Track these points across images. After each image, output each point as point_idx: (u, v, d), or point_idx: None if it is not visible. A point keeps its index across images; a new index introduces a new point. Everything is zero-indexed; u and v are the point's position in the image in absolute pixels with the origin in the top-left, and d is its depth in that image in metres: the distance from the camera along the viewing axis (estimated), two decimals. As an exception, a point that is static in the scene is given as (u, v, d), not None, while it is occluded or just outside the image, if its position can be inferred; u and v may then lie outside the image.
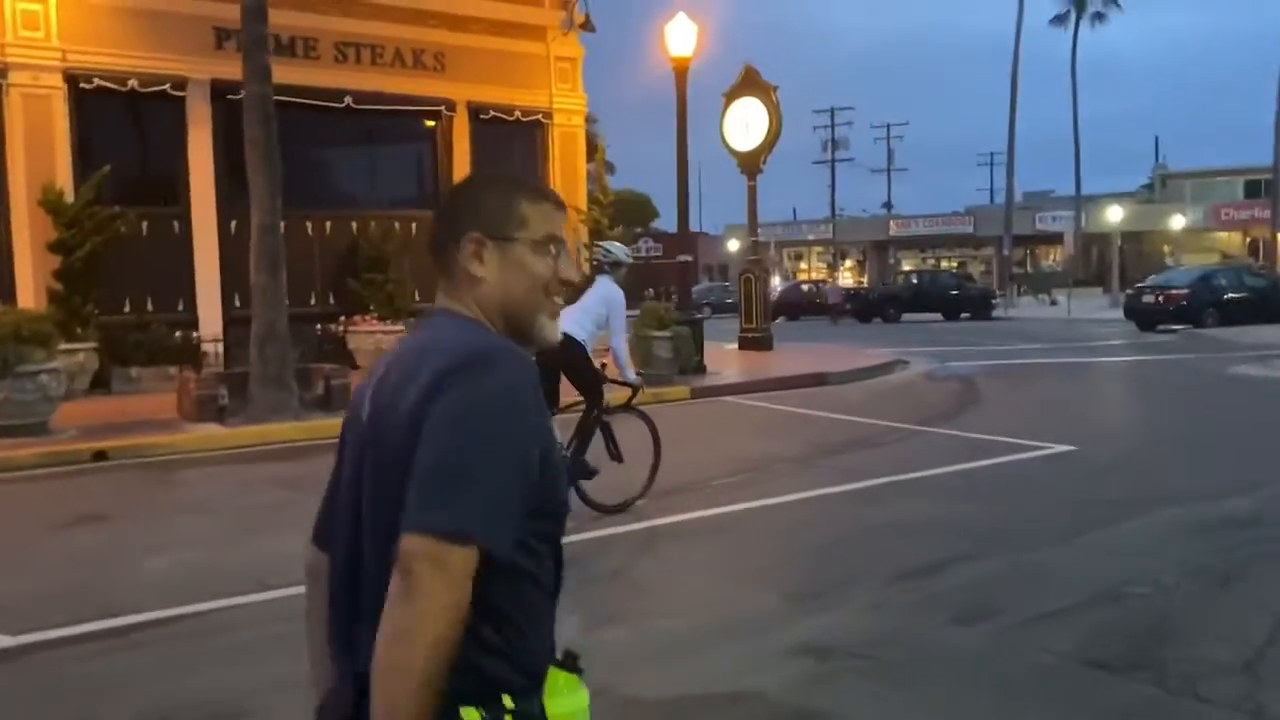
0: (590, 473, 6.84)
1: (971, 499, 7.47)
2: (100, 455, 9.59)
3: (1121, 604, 5.02)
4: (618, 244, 7.52)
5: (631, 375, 7.10)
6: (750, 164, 18.94)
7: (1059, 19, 52.72)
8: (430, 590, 1.22)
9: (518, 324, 1.47)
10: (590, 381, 6.92)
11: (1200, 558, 5.77)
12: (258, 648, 4.65)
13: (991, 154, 76.23)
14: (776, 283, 46.82)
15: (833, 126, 75.68)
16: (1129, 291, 27.61)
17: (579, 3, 17.52)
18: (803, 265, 65.23)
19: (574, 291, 6.50)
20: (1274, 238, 39.66)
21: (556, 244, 1.48)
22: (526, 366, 1.37)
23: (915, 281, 38.18)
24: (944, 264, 60.48)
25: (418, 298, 16.28)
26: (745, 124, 18.82)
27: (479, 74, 16.75)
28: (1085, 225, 52.08)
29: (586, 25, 17.44)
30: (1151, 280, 27.21)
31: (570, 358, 6.69)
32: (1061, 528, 6.46)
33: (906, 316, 34.44)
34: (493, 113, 16.93)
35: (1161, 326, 24.56)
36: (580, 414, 6.96)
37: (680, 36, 14.79)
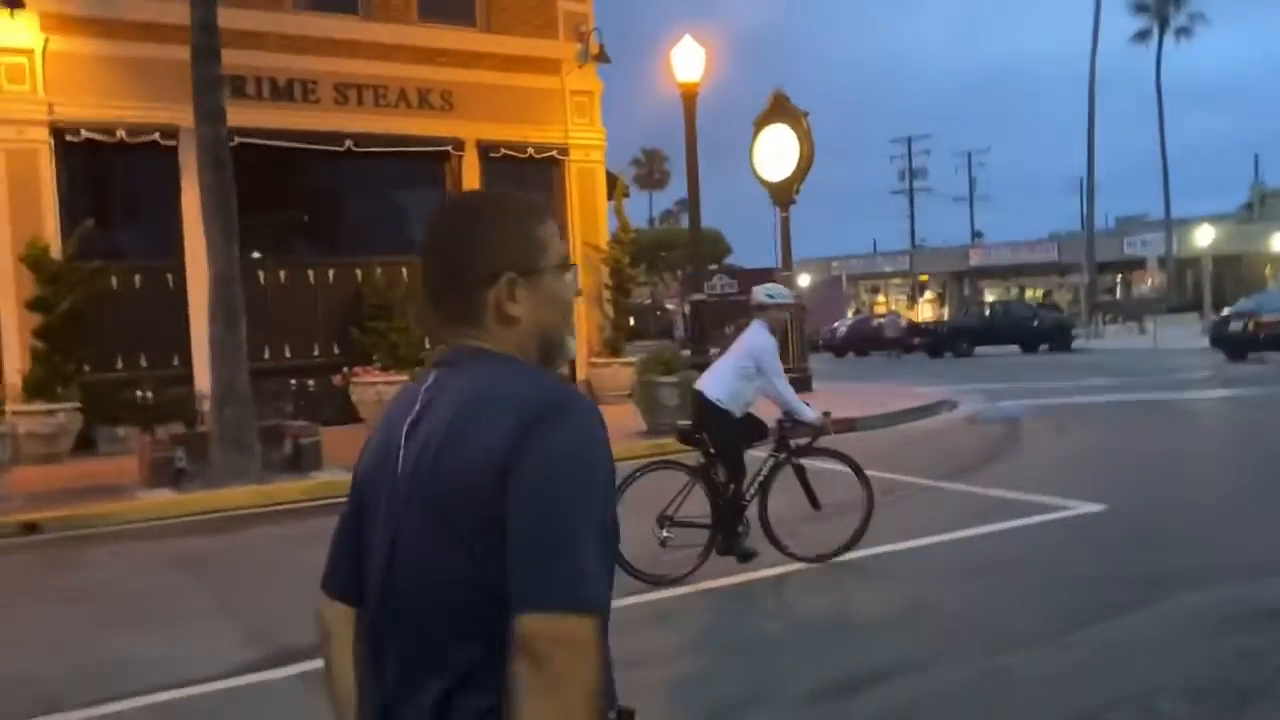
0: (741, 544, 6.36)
1: (956, 579, 6.26)
2: (31, 528, 8.94)
3: (1089, 742, 3.82)
4: (776, 285, 6.82)
5: (808, 414, 6.39)
6: (782, 195, 17.84)
7: (1141, 36, 50.50)
8: (576, 675, 1.16)
9: (550, 351, 1.43)
10: (726, 448, 6.29)
11: (1216, 667, 4.49)
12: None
13: (1080, 179, 73.63)
14: (848, 316, 45.41)
15: (910, 155, 74.16)
16: (1216, 318, 25.51)
17: (594, 34, 16.77)
18: (880, 298, 63.31)
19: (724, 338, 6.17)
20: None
21: (567, 259, 1.44)
22: (598, 410, 1.32)
23: (989, 313, 36.29)
24: (1029, 293, 58.16)
25: (427, 345, 15.57)
26: (776, 153, 17.75)
27: (489, 111, 16.08)
28: (1178, 249, 49.35)
29: (601, 57, 16.66)
30: (1240, 305, 25.11)
31: (704, 419, 6.29)
32: (1052, 620, 5.22)
33: (980, 350, 32.68)
34: (504, 150, 16.22)
35: (1253, 355, 22.54)
36: (769, 462, 6.48)
37: (687, 60, 13.87)
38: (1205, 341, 27.26)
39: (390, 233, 15.94)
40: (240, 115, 14.27)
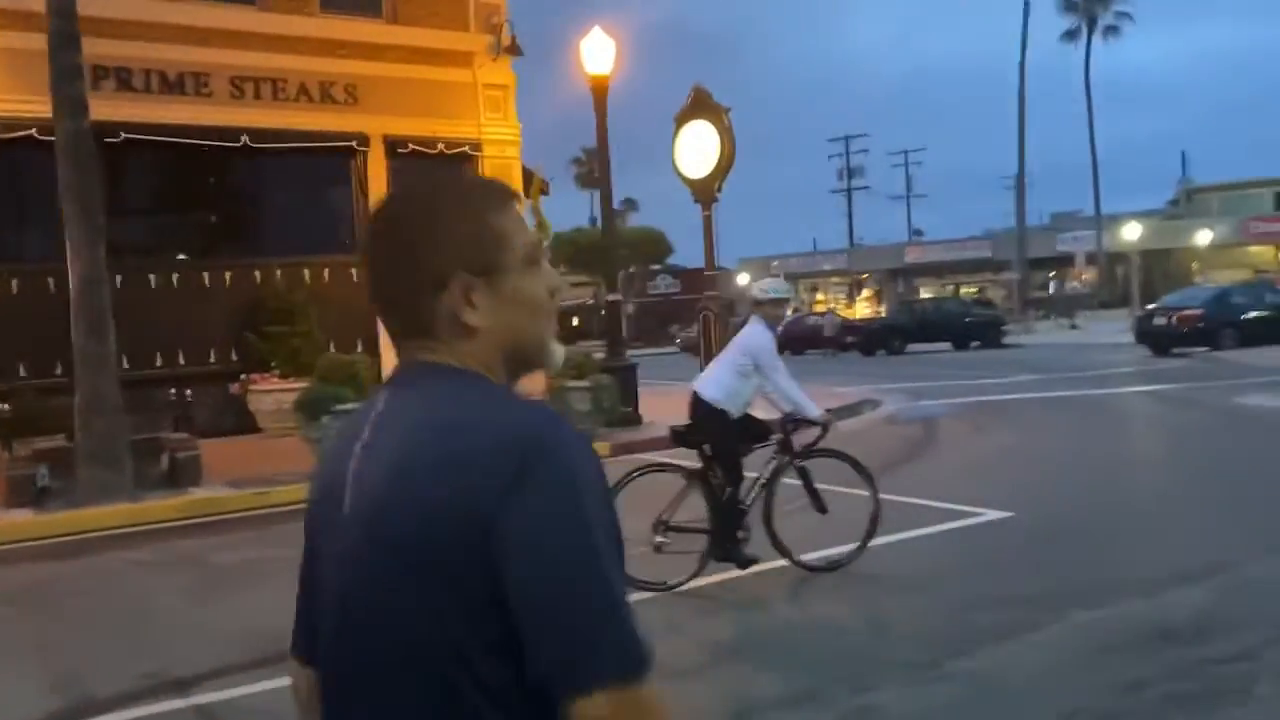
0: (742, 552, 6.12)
1: (840, 599, 5.87)
2: None
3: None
4: (773, 279, 6.68)
5: (813, 411, 6.17)
6: (704, 192, 17.40)
7: (1069, 35, 51.06)
8: None
9: (526, 361, 1.21)
10: (722, 450, 6.06)
11: (1099, 699, 4.13)
12: None
13: (1014, 177, 74.42)
14: (787, 315, 45.24)
15: (847, 155, 74.49)
16: (1139, 314, 25.65)
17: (506, 26, 16.23)
18: (819, 297, 63.44)
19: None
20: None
21: (539, 250, 1.20)
22: (584, 437, 1.13)
23: (921, 311, 36.33)
24: (963, 290, 58.59)
25: (332, 349, 14.93)
26: (697, 150, 17.29)
27: (397, 106, 15.46)
28: (1108, 245, 49.97)
29: (513, 49, 16.13)
30: (1163, 301, 25.27)
31: (702, 420, 6.08)
32: (932, 647, 4.83)
33: (914, 347, 32.66)
34: (412, 146, 15.61)
35: (1176, 350, 22.65)
36: (772, 464, 6.22)
37: (597, 53, 13.39)
38: (1132, 337, 27.42)
39: (292, 233, 15.24)
40: (127, 109, 13.60)
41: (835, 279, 65.06)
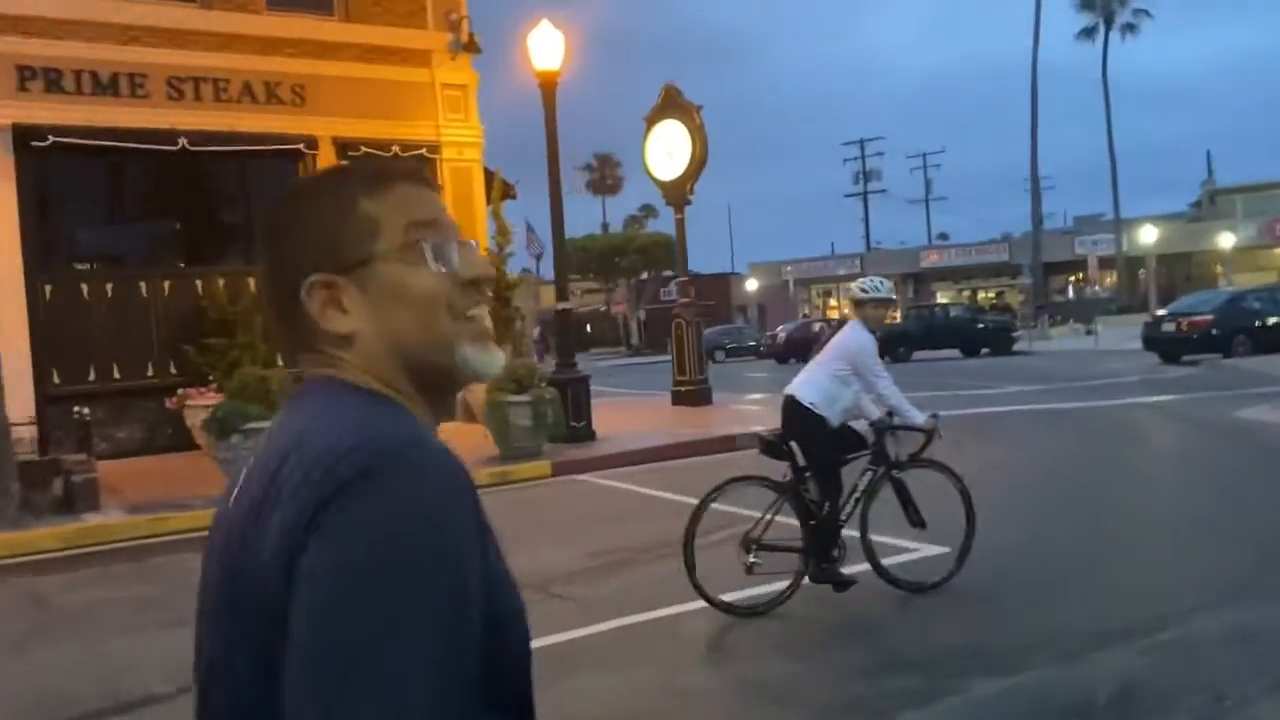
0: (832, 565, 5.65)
1: (724, 661, 5.04)
2: None
3: None
4: (875, 278, 6.17)
5: (917, 417, 5.73)
6: (675, 194, 16.67)
7: (1086, 33, 49.87)
8: None
9: (431, 372, 1.01)
10: (821, 461, 5.65)
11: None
12: None
13: (1040, 178, 73.00)
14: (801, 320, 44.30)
15: (863, 158, 73.47)
16: (1148, 320, 24.55)
17: (465, 23, 15.51)
18: (832, 302, 62.41)
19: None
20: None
21: (435, 233, 0.99)
22: (442, 465, 0.90)
23: (929, 317, 35.34)
24: (981, 295, 57.40)
25: (280, 362, 14.24)
26: (667, 150, 16.59)
27: (349, 106, 14.76)
28: (1127, 249, 48.71)
29: (472, 47, 15.41)
30: (1173, 306, 24.17)
31: (796, 427, 5.69)
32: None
33: (923, 354, 31.71)
34: (365, 149, 14.86)
35: (1187, 358, 21.56)
36: (867, 475, 5.81)
37: (545, 47, 12.62)
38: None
39: (236, 240, 14.59)
40: (57, 112, 12.99)
41: (850, 284, 64.04)
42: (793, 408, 5.73)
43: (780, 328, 41.68)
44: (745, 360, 42.67)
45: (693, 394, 16.33)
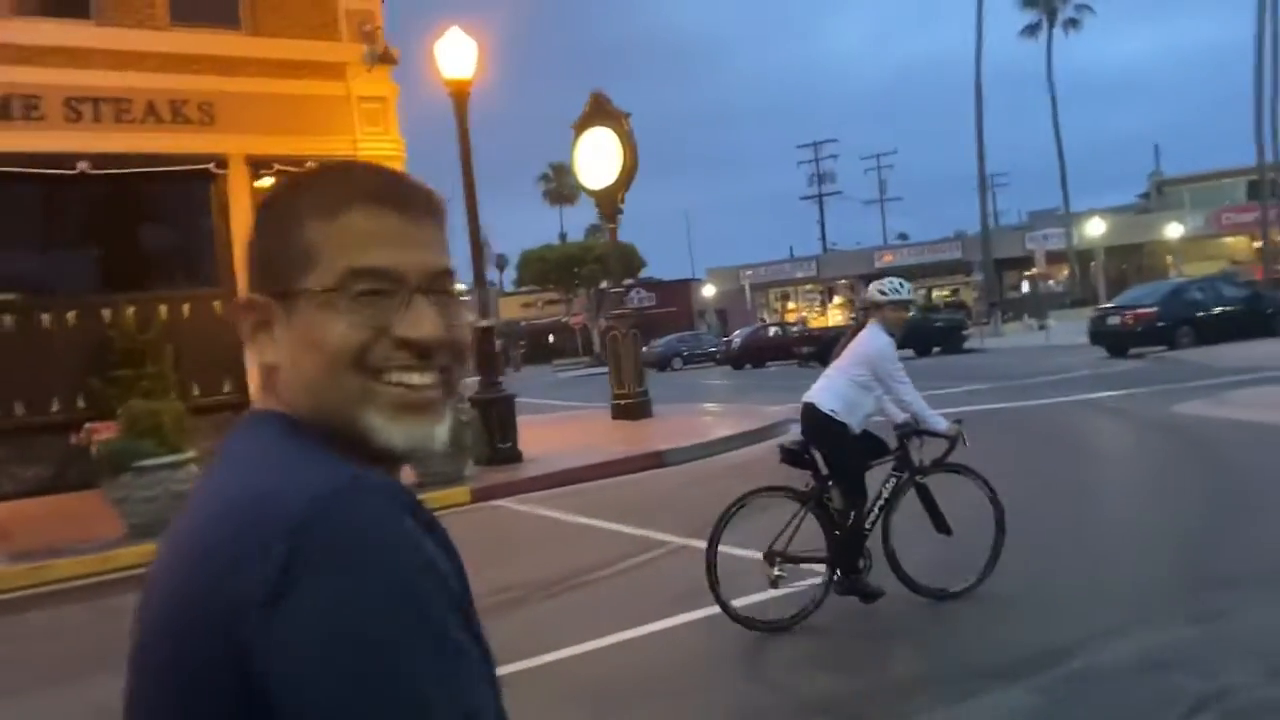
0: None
1: (556, 710, 4.61)
2: None
3: None
4: (894, 279, 5.97)
5: (939, 423, 5.60)
6: (607, 203, 16.28)
7: (1030, 29, 50.14)
8: None
9: (340, 434, 0.87)
10: (844, 470, 5.51)
11: None
12: None
13: (991, 176, 73.47)
14: (759, 325, 44.03)
15: (817, 161, 73.63)
16: (1093, 314, 24.47)
17: (379, 33, 15.04)
18: (790, 305, 62.33)
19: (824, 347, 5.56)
20: (1265, 242, 36.16)
21: (379, 282, 0.87)
22: (394, 511, 0.80)
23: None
24: (936, 293, 57.53)
25: (197, 393, 13.70)
26: (596, 159, 16.19)
27: (260, 123, 14.23)
28: (1077, 242, 48.95)
29: (387, 59, 14.94)
30: (1118, 299, 24.10)
31: (818, 435, 5.57)
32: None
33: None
34: (278, 166, 14.33)
35: (1134, 351, 21.45)
36: (891, 482, 5.67)
37: (455, 56, 12.18)
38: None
39: (144, 266, 14.00)
40: (-55, 138, 12.39)
41: (808, 286, 64.01)
42: (813, 415, 5.59)
43: (736, 333, 41.45)
44: (703, 367, 42.38)
45: (632, 407, 15.93)
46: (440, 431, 0.92)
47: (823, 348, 32.61)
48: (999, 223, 63.30)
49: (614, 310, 16.35)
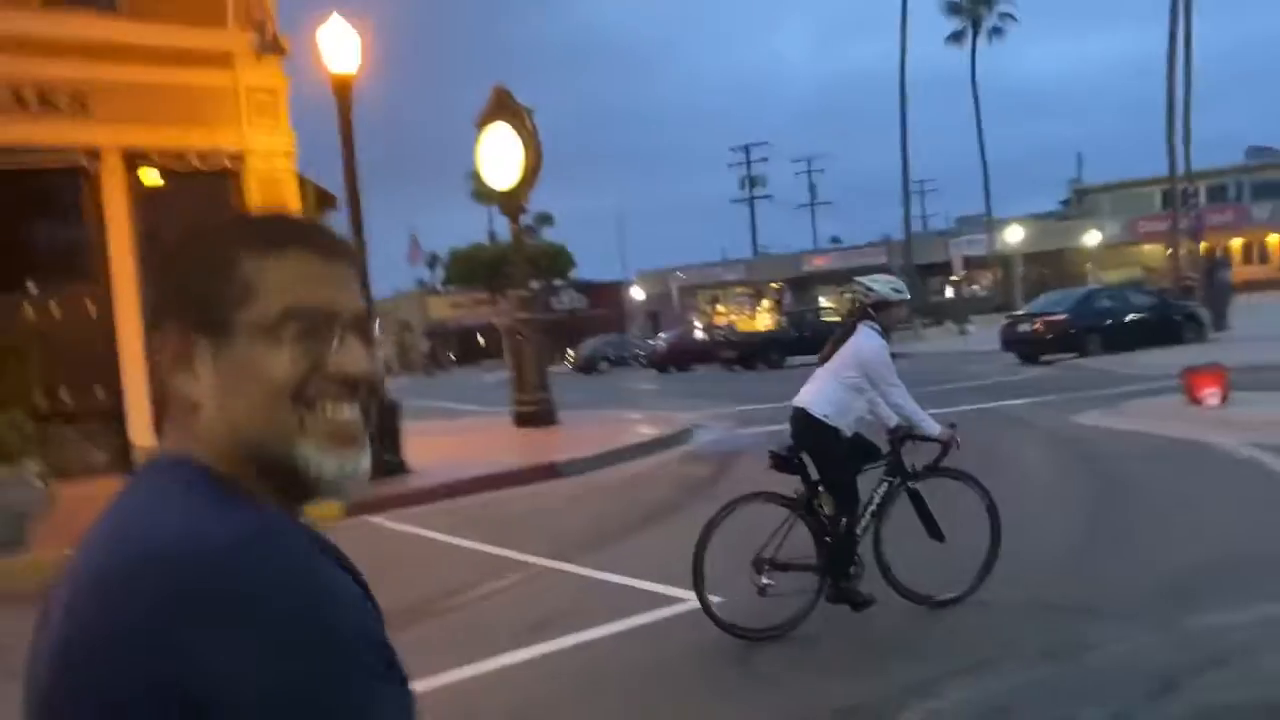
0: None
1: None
2: None
3: None
4: (882, 276, 5.93)
5: (932, 427, 5.47)
6: (510, 203, 15.81)
7: (955, 37, 50.69)
8: None
9: (273, 468, 0.89)
10: (835, 474, 5.39)
11: None
12: None
13: (922, 181, 74.17)
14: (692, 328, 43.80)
15: (749, 163, 73.76)
16: (1005, 320, 24.60)
17: (270, 22, 14.38)
18: (719, 308, 62.32)
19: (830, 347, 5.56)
20: (1174, 250, 36.91)
21: (314, 321, 0.90)
22: (302, 549, 0.84)
23: (804, 322, 35.44)
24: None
25: (66, 399, 12.95)
26: (498, 157, 15.72)
27: (139, 113, 13.46)
28: (1000, 248, 49.60)
29: (276, 48, 14.29)
30: (1030, 306, 24.26)
31: (808, 440, 5.42)
32: None
33: (800, 359, 31.54)
34: (158, 159, 13.67)
35: (1045, 358, 21.53)
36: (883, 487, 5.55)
37: (338, 47, 11.61)
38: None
39: (7, 264, 13.18)
40: None
41: (738, 290, 64.07)
42: (804, 420, 5.45)
43: (661, 335, 41.21)
44: (630, 370, 42.01)
45: (534, 414, 15.47)
46: (365, 461, 0.94)
47: (749, 352, 32.67)
48: (927, 228, 64.07)
49: (520, 312, 15.85)
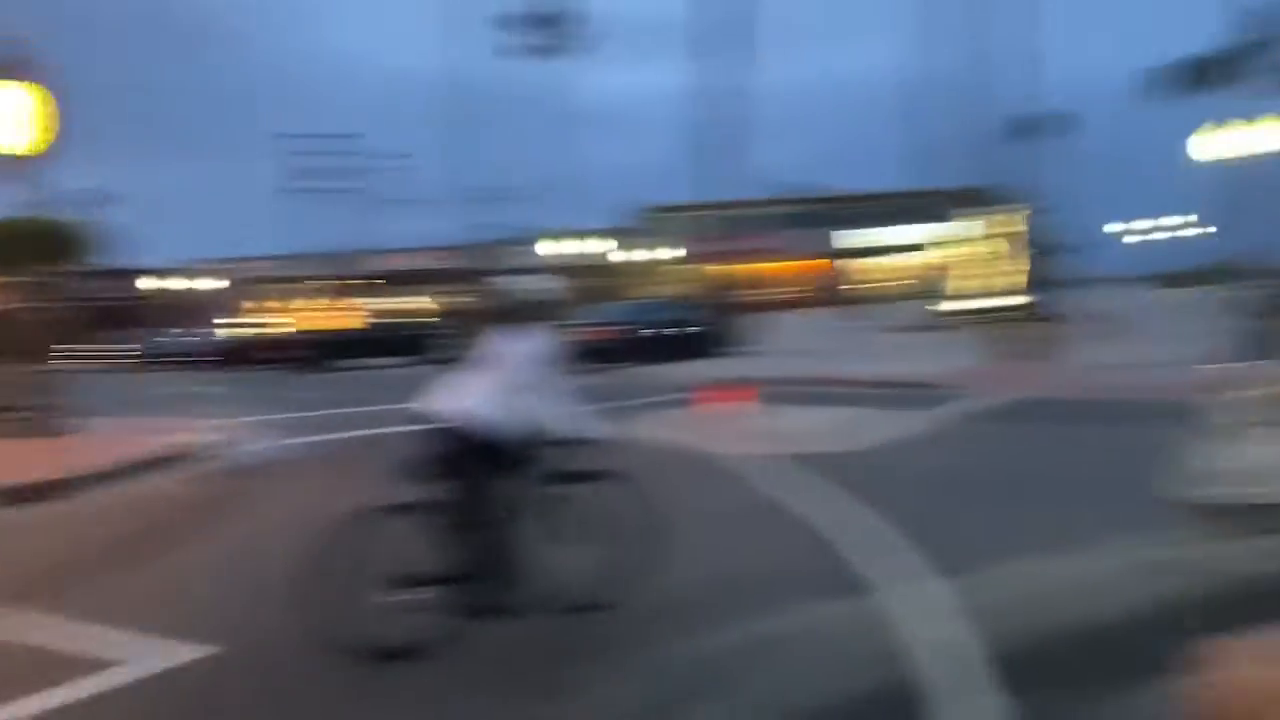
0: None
1: None
2: None
3: None
4: (541, 276, 5.77)
5: (590, 430, 5.28)
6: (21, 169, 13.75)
7: (542, 51, 52.18)
8: None
9: None
10: (472, 481, 5.09)
11: None
12: None
13: (507, 189, 75.40)
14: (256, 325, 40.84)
15: (332, 154, 70.93)
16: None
17: None
18: (286, 304, 59.39)
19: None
20: (719, 271, 41.03)
21: None
22: None
23: (374, 324, 35.45)
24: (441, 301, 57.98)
25: None
26: (7, 119, 13.66)
27: None
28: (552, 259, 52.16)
29: None
30: (578, 316, 25.78)
31: (451, 444, 5.08)
32: None
33: (372, 362, 31.24)
34: None
35: (596, 366, 22.77)
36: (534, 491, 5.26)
37: None
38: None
39: None
40: None
41: (307, 284, 61.48)
42: (446, 423, 5.14)
43: (216, 331, 38.57)
44: (175, 368, 38.30)
45: (27, 424, 13.50)
46: None
47: (317, 350, 31.23)
48: (509, 235, 65.49)
49: (15, 301, 13.74)
